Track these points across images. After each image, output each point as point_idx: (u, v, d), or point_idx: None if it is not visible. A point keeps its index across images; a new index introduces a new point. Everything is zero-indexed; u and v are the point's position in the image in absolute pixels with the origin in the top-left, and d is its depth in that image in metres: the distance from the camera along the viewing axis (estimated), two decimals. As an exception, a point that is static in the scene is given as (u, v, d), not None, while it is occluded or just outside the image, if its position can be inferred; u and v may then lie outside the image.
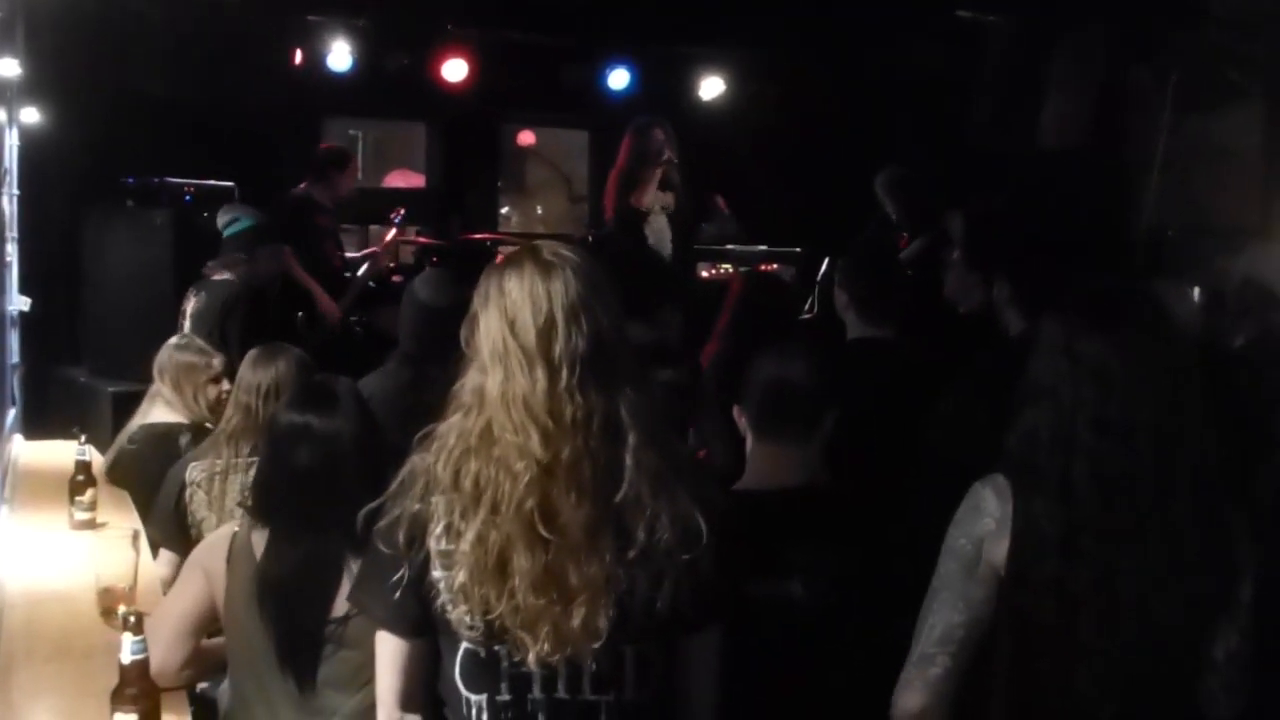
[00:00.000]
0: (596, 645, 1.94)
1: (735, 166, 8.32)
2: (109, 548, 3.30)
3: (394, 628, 2.05)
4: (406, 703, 2.08)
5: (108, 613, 3.05)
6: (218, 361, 4.42)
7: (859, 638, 2.58)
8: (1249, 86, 6.43)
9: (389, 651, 2.07)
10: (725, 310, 4.43)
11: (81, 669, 2.83)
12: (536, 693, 1.98)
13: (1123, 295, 2.27)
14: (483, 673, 1.99)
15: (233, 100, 7.37)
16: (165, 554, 3.59)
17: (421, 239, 8.22)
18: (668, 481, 1.97)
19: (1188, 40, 6.66)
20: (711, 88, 9.00)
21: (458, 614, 1.95)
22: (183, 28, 6.90)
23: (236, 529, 2.85)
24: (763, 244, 7.80)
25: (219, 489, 3.55)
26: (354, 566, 2.50)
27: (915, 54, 8.06)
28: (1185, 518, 2.08)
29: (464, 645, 1.98)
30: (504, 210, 10.55)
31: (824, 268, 6.47)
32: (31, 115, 5.93)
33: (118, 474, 4.31)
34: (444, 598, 1.96)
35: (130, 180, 6.94)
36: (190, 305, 5.62)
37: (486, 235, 8.63)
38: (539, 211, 10.98)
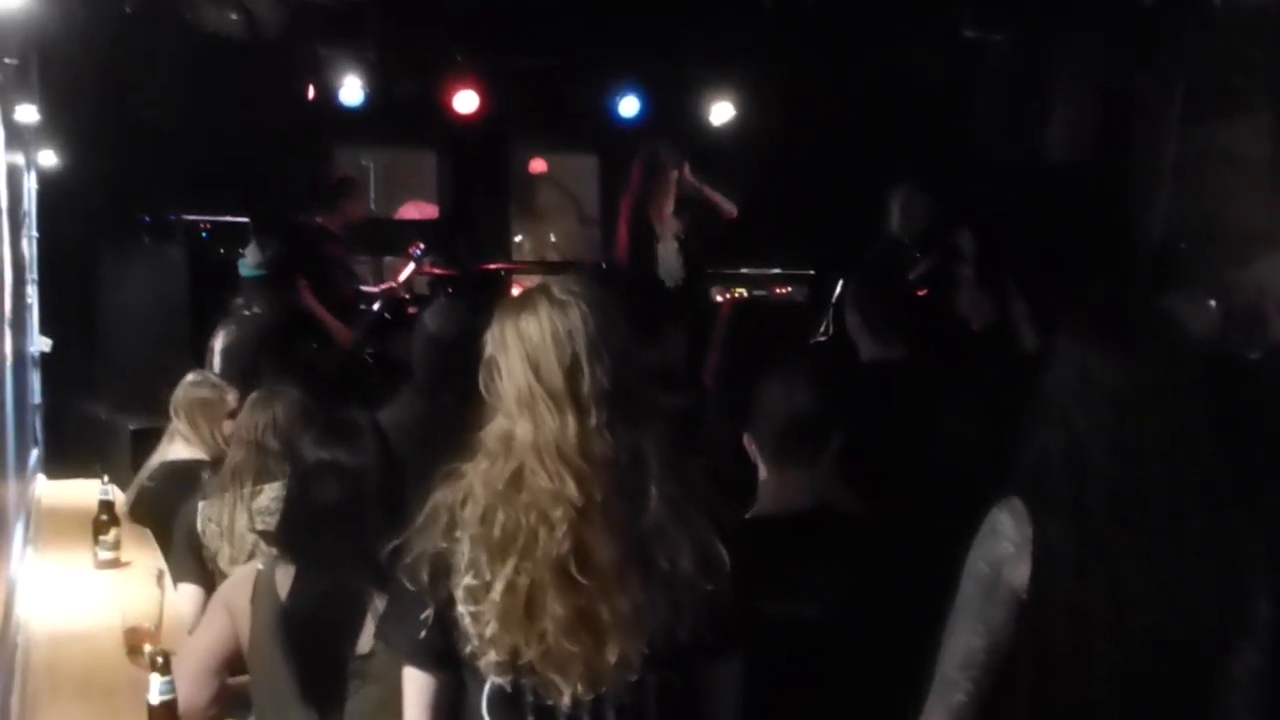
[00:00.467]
0: (632, 679, 1.94)
1: (747, 189, 8.34)
2: (134, 587, 3.33)
3: (420, 663, 2.06)
4: None
5: (133, 651, 3.07)
6: (232, 396, 4.45)
7: (871, 658, 2.59)
8: (1256, 94, 6.43)
9: (416, 687, 2.09)
10: (714, 339, 4.43)
11: (105, 708, 2.85)
12: None
13: (1134, 313, 2.28)
14: (509, 708, 2.00)
15: (246, 134, 7.44)
16: (185, 588, 3.61)
17: (435, 269, 8.27)
18: (687, 510, 1.99)
19: (1193, 48, 6.67)
20: (721, 112, 9.03)
21: (486, 657, 1.97)
22: (195, 64, 6.96)
23: (260, 567, 2.86)
24: (776, 266, 7.82)
25: (229, 520, 3.59)
26: (378, 602, 2.51)
27: (922, 71, 8.08)
28: (1198, 537, 2.08)
29: (491, 681, 2.00)
30: (517, 237, 10.59)
31: (838, 289, 6.48)
32: (49, 158, 5.99)
33: (139, 511, 4.34)
34: (471, 638, 1.98)
35: (146, 218, 7.01)
36: (219, 341, 5.66)
37: (501, 265, 8.68)
38: (551, 238, 11.01)
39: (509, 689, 1.98)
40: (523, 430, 1.96)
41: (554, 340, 1.98)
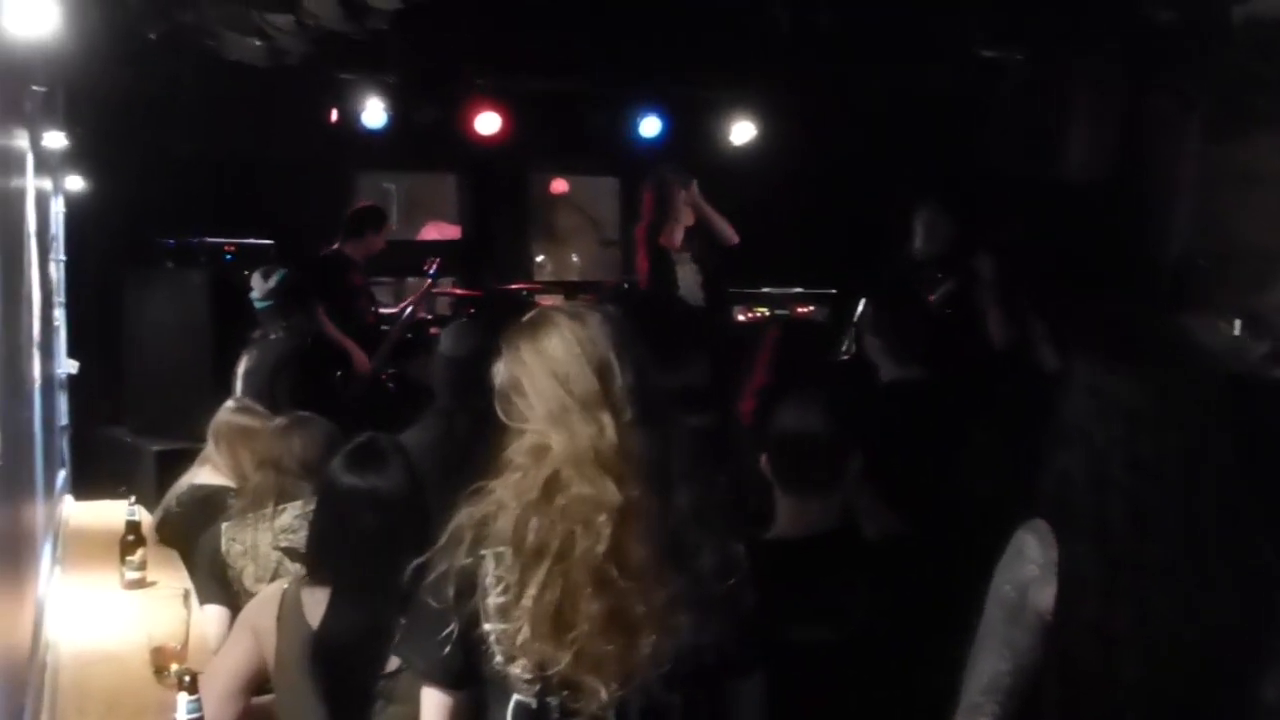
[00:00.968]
0: (663, 672, 1.97)
1: (767, 209, 8.36)
2: (160, 606, 3.35)
3: (439, 681, 2.08)
4: None
5: (160, 671, 3.09)
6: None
7: (893, 681, 2.59)
8: (1275, 111, 6.42)
9: (434, 705, 2.10)
10: (761, 360, 4.43)
11: (133, 728, 2.87)
12: None
13: (1149, 332, 2.28)
14: None
15: (269, 159, 7.50)
16: (210, 609, 3.63)
17: (457, 290, 8.30)
18: (707, 511, 2.03)
19: (1212, 66, 6.66)
20: (742, 132, 9.05)
21: (514, 669, 1.98)
22: (219, 89, 7.02)
23: (286, 586, 2.89)
24: (798, 286, 7.83)
25: (252, 540, 3.61)
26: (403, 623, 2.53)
27: (941, 90, 8.09)
28: (1223, 556, 2.07)
29: (515, 698, 2.01)
30: (538, 258, 10.63)
31: (859, 309, 6.49)
32: (75, 183, 6.06)
33: (164, 534, 4.36)
34: (497, 652, 1.99)
35: (170, 241, 7.07)
36: (242, 365, 5.69)
37: (522, 285, 8.71)
38: (573, 259, 11.05)
39: (535, 705, 2.00)
40: (558, 442, 1.99)
41: (580, 350, 2.02)
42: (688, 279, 6.91)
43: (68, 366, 5.78)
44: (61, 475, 5.39)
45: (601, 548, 1.94)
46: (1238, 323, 5.40)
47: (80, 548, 4.54)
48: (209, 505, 4.20)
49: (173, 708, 2.39)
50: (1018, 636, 2.14)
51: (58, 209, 5.77)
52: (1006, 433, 3.30)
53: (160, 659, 3.11)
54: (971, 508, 3.20)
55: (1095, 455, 2.12)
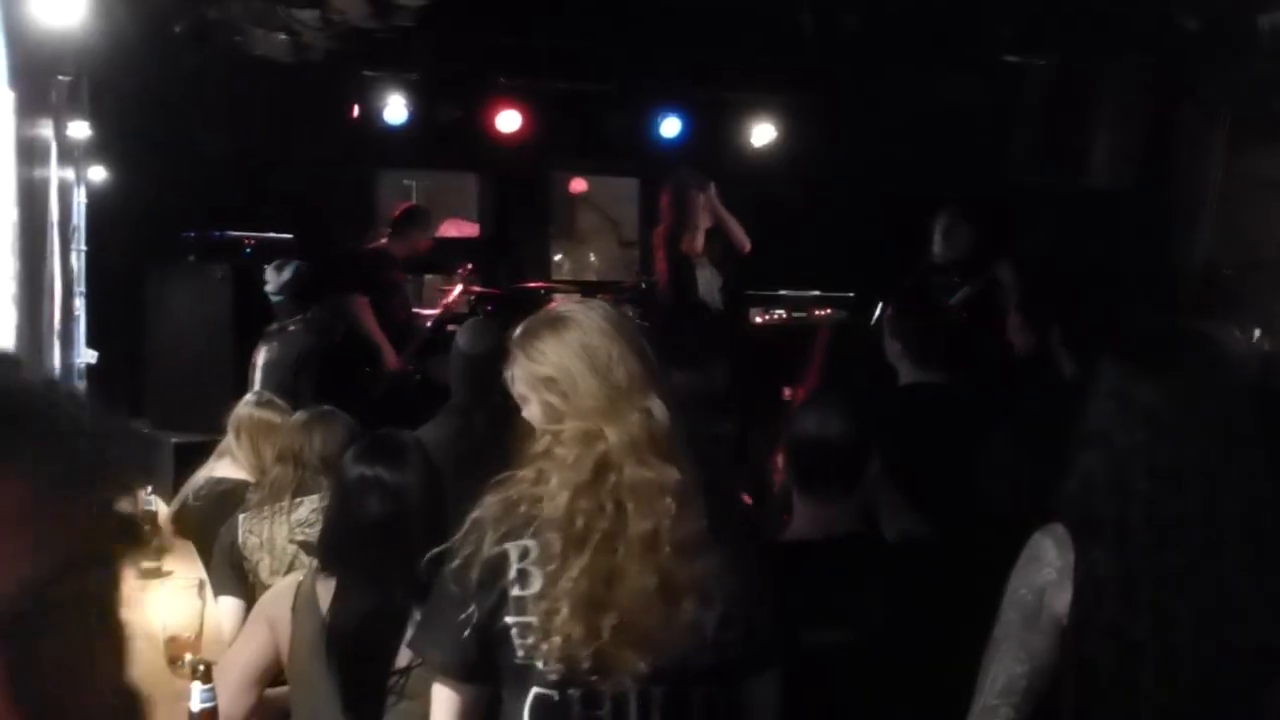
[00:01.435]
0: (703, 641, 2.00)
1: (787, 211, 8.35)
2: (175, 597, 3.35)
3: (454, 675, 2.08)
4: None
5: (174, 661, 3.10)
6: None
7: (909, 684, 2.58)
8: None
9: (445, 699, 2.10)
10: (814, 361, 4.43)
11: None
12: None
13: (1173, 338, 2.28)
14: (553, 718, 2.01)
15: (291, 154, 7.53)
16: (225, 601, 3.64)
17: (475, 288, 8.32)
18: (719, 480, 2.12)
19: (1238, 75, 6.63)
20: (763, 134, 9.04)
21: (537, 661, 1.97)
22: (241, 85, 7.05)
23: (301, 579, 2.89)
24: (816, 289, 7.81)
25: (269, 533, 3.61)
26: (418, 616, 2.53)
27: (963, 95, 8.07)
28: (1240, 563, 2.07)
29: (534, 690, 2.00)
30: (556, 258, 10.64)
31: (878, 312, 6.47)
32: (98, 174, 6.09)
33: (181, 526, 4.37)
34: (519, 646, 1.99)
35: (191, 234, 7.10)
36: (261, 357, 5.69)
37: (540, 284, 8.72)
38: (591, 259, 11.05)
39: (556, 697, 1.99)
40: (611, 431, 2.01)
41: (618, 334, 2.05)
42: (706, 282, 6.90)
43: (87, 356, 5.80)
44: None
45: (660, 526, 1.97)
46: (1256, 331, 5.36)
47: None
48: (227, 499, 4.19)
49: (187, 697, 2.39)
50: (1034, 640, 2.14)
51: (80, 199, 5.80)
52: (1025, 438, 3.29)
53: (175, 649, 3.11)
54: (989, 512, 3.19)
55: (1117, 460, 2.12)
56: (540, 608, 1.97)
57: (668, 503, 1.98)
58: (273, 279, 5.97)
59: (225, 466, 4.40)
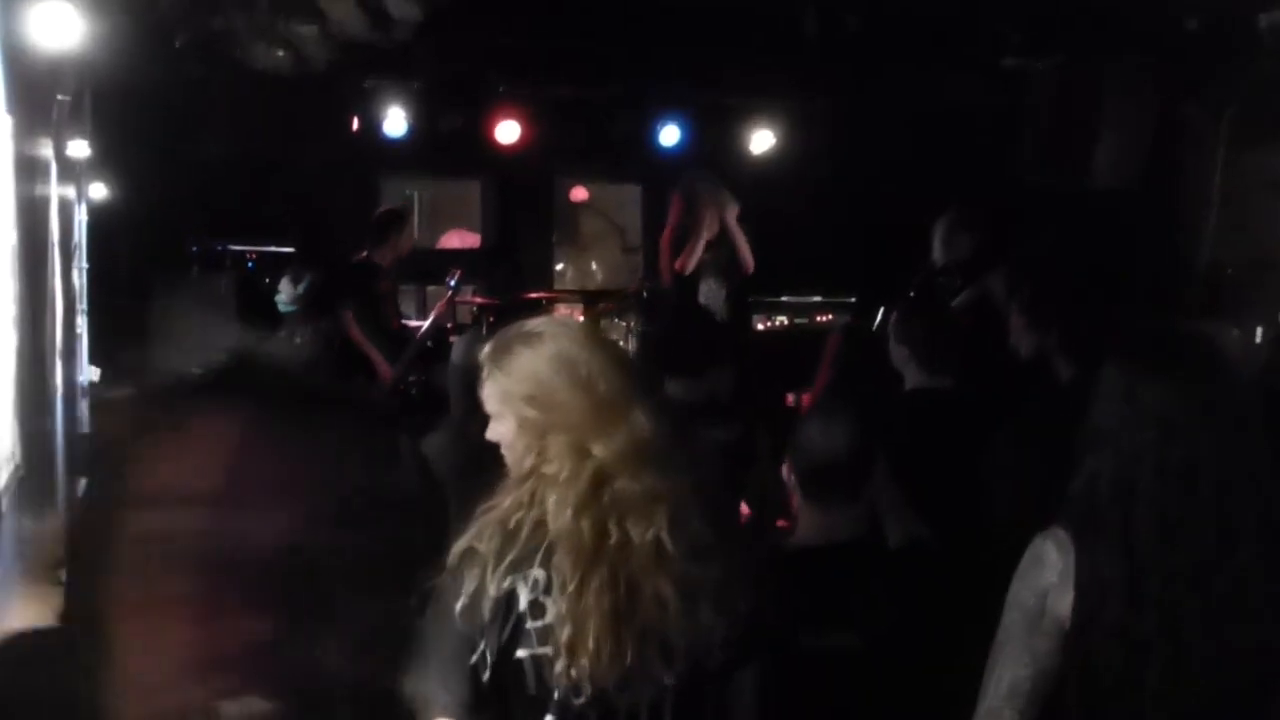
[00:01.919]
0: (715, 643, 2.00)
1: (788, 217, 8.35)
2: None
3: (464, 714, 2.01)
4: None
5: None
6: None
7: (910, 686, 2.58)
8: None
9: None
10: (824, 367, 4.42)
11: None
12: None
13: (1180, 339, 2.28)
14: None
15: (293, 166, 7.54)
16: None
17: (478, 298, 8.32)
18: (712, 485, 2.12)
19: (1241, 74, 6.62)
20: (762, 141, 9.04)
21: (560, 682, 1.96)
22: (242, 97, 7.06)
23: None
24: (817, 295, 7.81)
25: None
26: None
27: (965, 98, 8.06)
28: (1251, 562, 2.06)
29: (549, 717, 1.99)
30: (559, 266, 10.64)
31: (879, 316, 6.46)
32: (99, 191, 6.10)
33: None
34: (534, 674, 1.97)
35: (195, 248, 7.11)
36: None
37: (542, 294, 8.72)
38: (593, 266, 11.05)
39: (571, 717, 1.98)
40: (599, 445, 2.00)
41: (593, 350, 2.06)
42: (710, 290, 6.89)
43: (90, 374, 5.80)
44: (82, 484, 5.40)
45: (662, 535, 1.97)
46: (1259, 330, 5.36)
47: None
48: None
49: None
50: (1037, 643, 2.14)
51: (81, 216, 5.80)
52: (1028, 440, 3.28)
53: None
54: (994, 515, 3.19)
55: (1123, 461, 2.12)
56: (564, 632, 1.94)
57: (665, 512, 1.97)
58: (287, 291, 5.98)
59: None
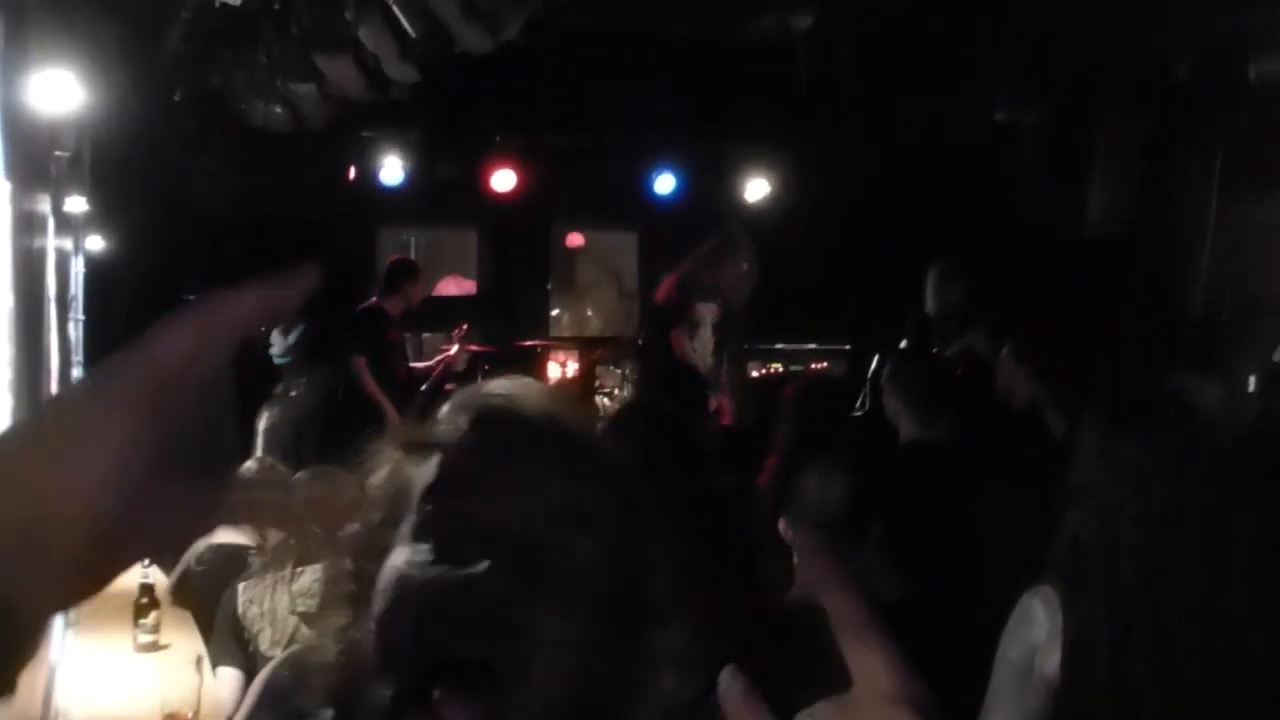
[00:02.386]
0: None
1: (782, 266, 8.37)
2: (173, 671, 3.34)
3: None
4: None
5: (173, 738, 3.09)
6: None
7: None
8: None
9: None
10: (783, 421, 4.39)
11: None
12: None
13: (1153, 392, 2.29)
14: None
15: (290, 216, 7.58)
16: (224, 671, 3.61)
17: (473, 346, 8.34)
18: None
19: (1232, 121, 6.67)
20: (757, 189, 9.09)
21: None
22: (239, 149, 7.11)
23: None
24: (811, 342, 7.82)
25: (270, 603, 3.59)
26: None
27: (958, 147, 8.12)
28: (1241, 607, 2.06)
29: None
30: (555, 312, 10.67)
31: (874, 363, 6.47)
32: (97, 243, 6.13)
33: (183, 593, 4.34)
34: None
35: (191, 298, 7.12)
36: (263, 422, 5.69)
37: (537, 342, 8.74)
38: (589, 313, 11.08)
39: None
40: None
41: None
42: (703, 339, 6.87)
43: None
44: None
45: None
46: (1251, 379, 5.37)
47: (94, 608, 4.52)
48: (231, 565, 4.16)
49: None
50: (1026, 700, 2.15)
51: (78, 269, 5.83)
52: (1023, 495, 3.28)
53: (173, 726, 3.10)
54: (985, 571, 3.18)
55: (1105, 516, 2.12)
56: None
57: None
58: (279, 343, 5.98)
59: (226, 532, 4.39)
